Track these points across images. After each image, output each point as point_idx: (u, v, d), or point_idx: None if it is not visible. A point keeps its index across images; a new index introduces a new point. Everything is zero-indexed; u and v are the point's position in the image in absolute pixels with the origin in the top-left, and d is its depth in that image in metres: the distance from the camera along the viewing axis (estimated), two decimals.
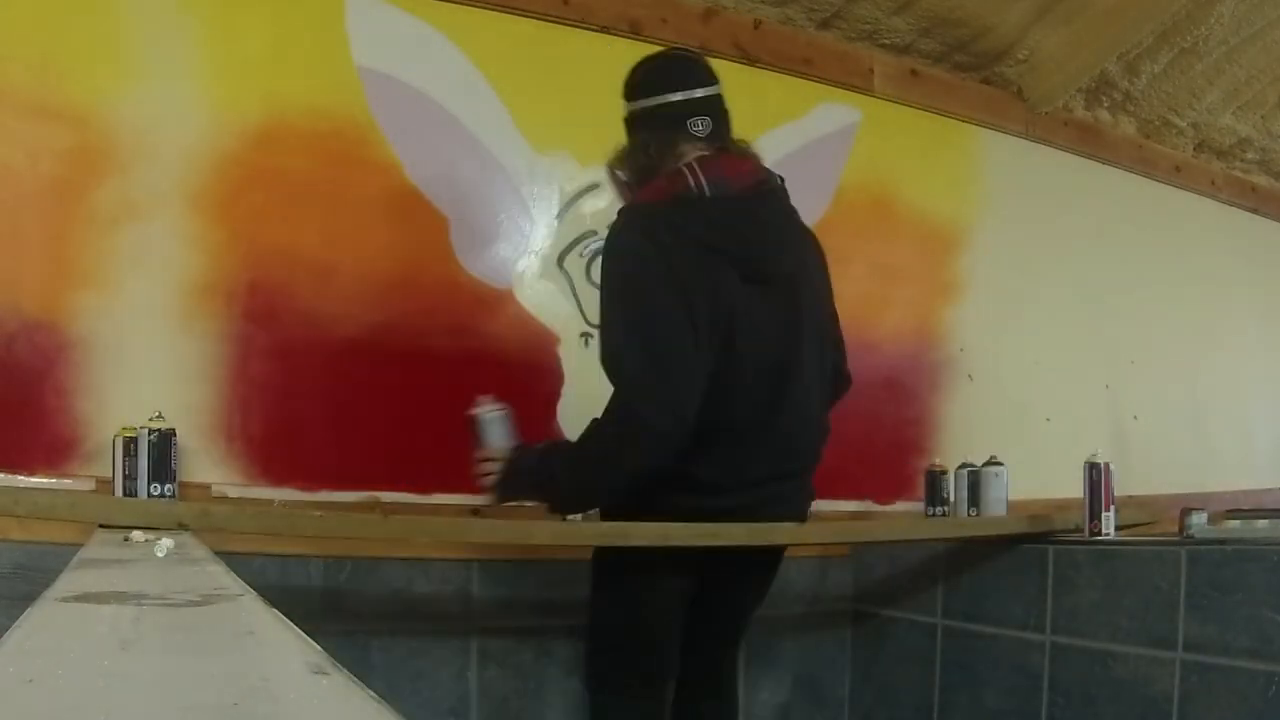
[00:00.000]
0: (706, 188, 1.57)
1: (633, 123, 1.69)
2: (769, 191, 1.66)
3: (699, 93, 1.65)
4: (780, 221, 1.68)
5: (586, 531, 1.81)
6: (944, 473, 2.35)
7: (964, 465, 2.34)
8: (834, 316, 1.79)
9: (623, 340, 1.55)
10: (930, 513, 2.35)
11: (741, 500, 1.64)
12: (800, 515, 1.76)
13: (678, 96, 1.63)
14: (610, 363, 1.56)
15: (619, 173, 1.71)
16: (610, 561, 1.74)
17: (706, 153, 1.62)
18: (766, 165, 1.71)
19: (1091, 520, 2.06)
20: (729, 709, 1.90)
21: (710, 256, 1.55)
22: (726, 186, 1.59)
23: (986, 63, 2.86)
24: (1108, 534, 2.04)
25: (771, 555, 1.81)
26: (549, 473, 1.63)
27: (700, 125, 1.63)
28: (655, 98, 1.65)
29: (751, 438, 1.62)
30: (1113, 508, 2.05)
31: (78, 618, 0.62)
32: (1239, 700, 1.64)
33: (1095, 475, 2.09)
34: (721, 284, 1.56)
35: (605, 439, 1.57)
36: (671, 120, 1.63)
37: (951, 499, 2.33)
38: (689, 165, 1.59)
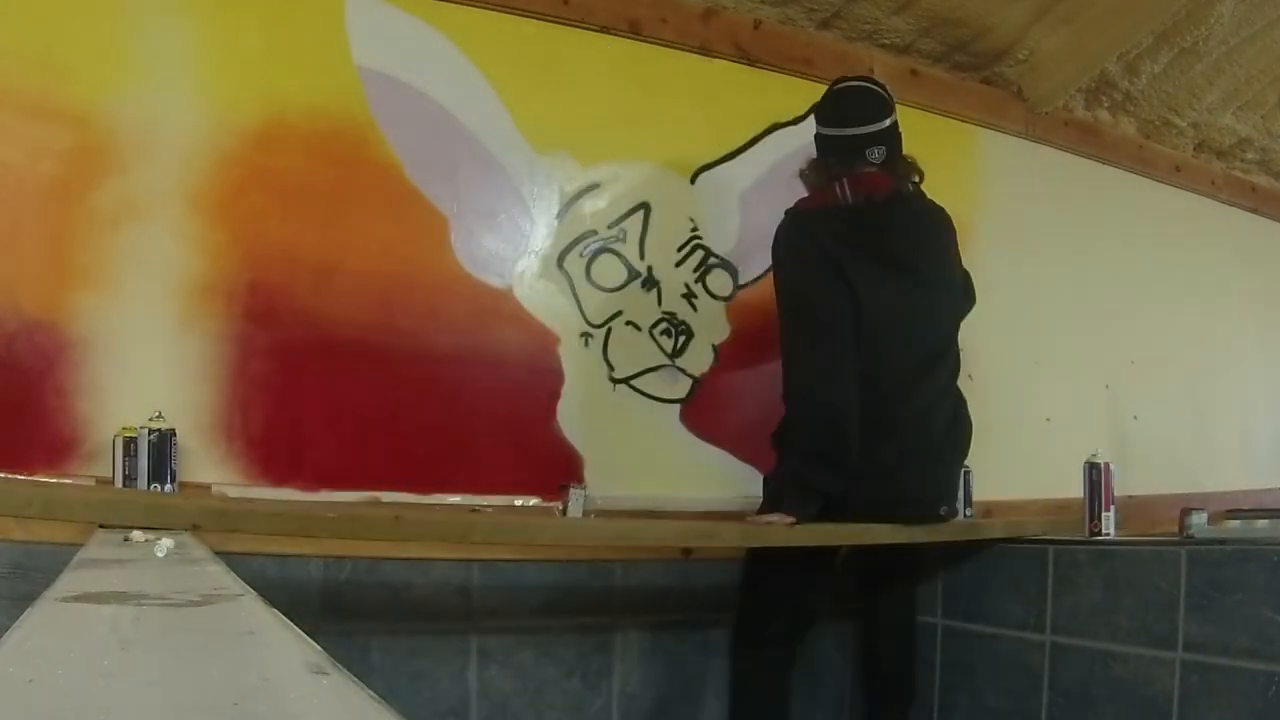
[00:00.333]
0: (850, 197, 1.97)
1: (821, 143, 2.07)
2: (902, 196, 2.03)
3: (874, 128, 1.99)
4: (910, 220, 2.05)
5: (599, 530, 1.81)
6: None
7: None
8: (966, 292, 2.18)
9: (787, 324, 1.99)
10: None
11: (900, 490, 1.95)
12: (936, 504, 2.04)
13: (861, 131, 1.99)
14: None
15: (806, 177, 2.09)
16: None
17: (860, 171, 1.98)
18: (906, 176, 2.06)
19: (1091, 520, 2.06)
20: (905, 645, 2.22)
21: (848, 249, 1.92)
22: (866, 197, 1.96)
23: (986, 63, 2.86)
24: (1108, 534, 2.04)
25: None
26: (796, 477, 1.96)
27: (877, 154, 1.99)
28: (841, 129, 2.02)
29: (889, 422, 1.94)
30: (1113, 508, 2.05)
31: (78, 618, 0.62)
32: (1239, 700, 1.64)
33: (1095, 475, 2.09)
34: (859, 271, 1.90)
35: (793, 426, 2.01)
36: (852, 147, 2.00)
37: None
38: (840, 181, 1.98)
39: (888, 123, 2.01)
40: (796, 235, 1.99)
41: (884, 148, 1.99)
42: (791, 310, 1.97)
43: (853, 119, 2.01)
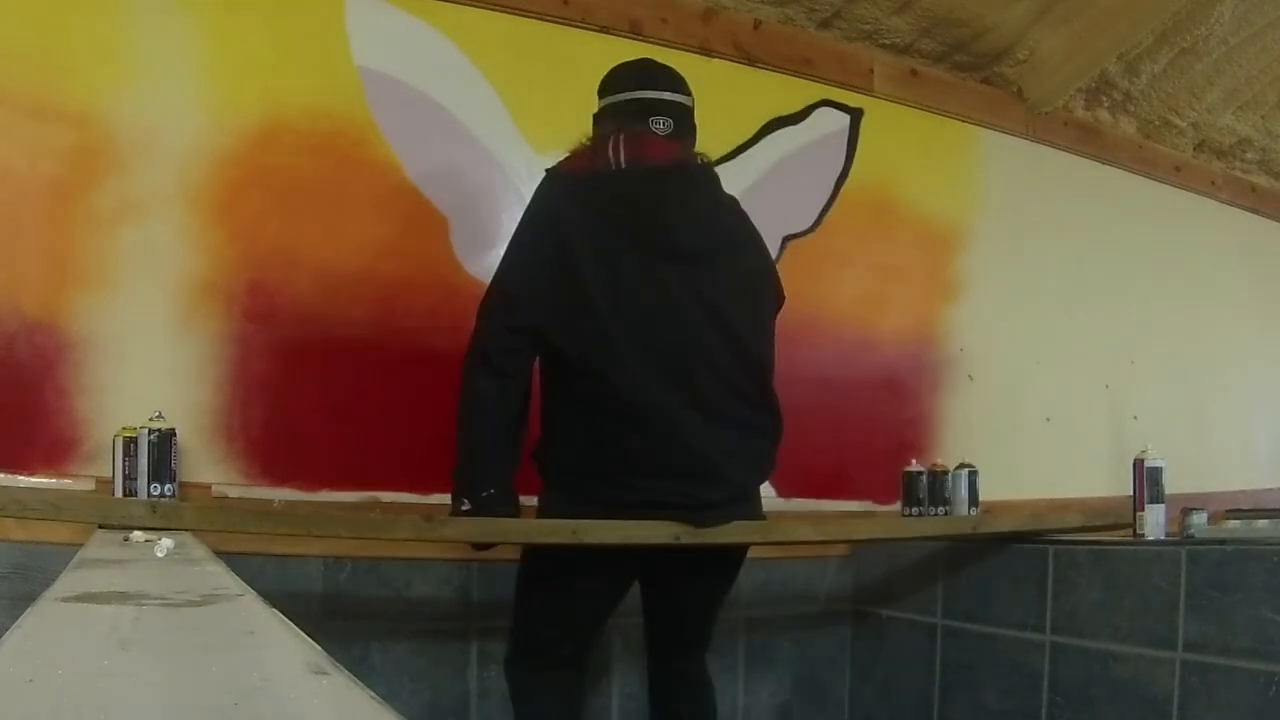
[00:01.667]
0: (623, 162, 1.62)
1: (600, 117, 1.73)
2: (687, 170, 1.69)
3: (667, 95, 1.70)
4: (692, 200, 1.69)
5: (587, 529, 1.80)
6: (920, 474, 2.34)
7: (962, 465, 2.33)
8: (764, 331, 1.74)
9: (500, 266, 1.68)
10: (906, 513, 2.35)
11: (659, 495, 1.60)
12: (735, 515, 1.67)
13: (647, 95, 1.69)
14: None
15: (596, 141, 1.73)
16: (542, 556, 1.72)
17: (638, 129, 1.66)
18: (697, 152, 1.74)
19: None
20: (701, 712, 1.86)
21: (608, 225, 1.60)
22: (643, 162, 1.63)
23: (986, 63, 2.86)
24: (1142, 534, 2.00)
25: (725, 557, 1.76)
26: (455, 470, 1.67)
27: (663, 124, 1.67)
28: (625, 93, 1.70)
29: (652, 426, 1.59)
30: (1156, 507, 2.01)
31: (78, 618, 0.62)
32: (1239, 700, 1.64)
33: (1138, 474, 2.08)
34: (614, 252, 1.59)
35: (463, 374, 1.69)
36: (637, 114, 1.67)
37: (925, 499, 2.33)
38: (614, 141, 1.64)
39: (682, 99, 1.72)
40: (542, 200, 1.67)
41: (671, 120, 1.68)
42: (503, 259, 1.69)
43: (639, 82, 1.70)
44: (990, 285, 2.92)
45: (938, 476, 2.30)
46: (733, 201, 1.78)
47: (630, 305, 1.59)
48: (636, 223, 1.61)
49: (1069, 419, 3.00)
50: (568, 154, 1.74)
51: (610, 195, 1.63)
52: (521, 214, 1.71)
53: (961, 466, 2.32)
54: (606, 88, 1.75)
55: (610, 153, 1.63)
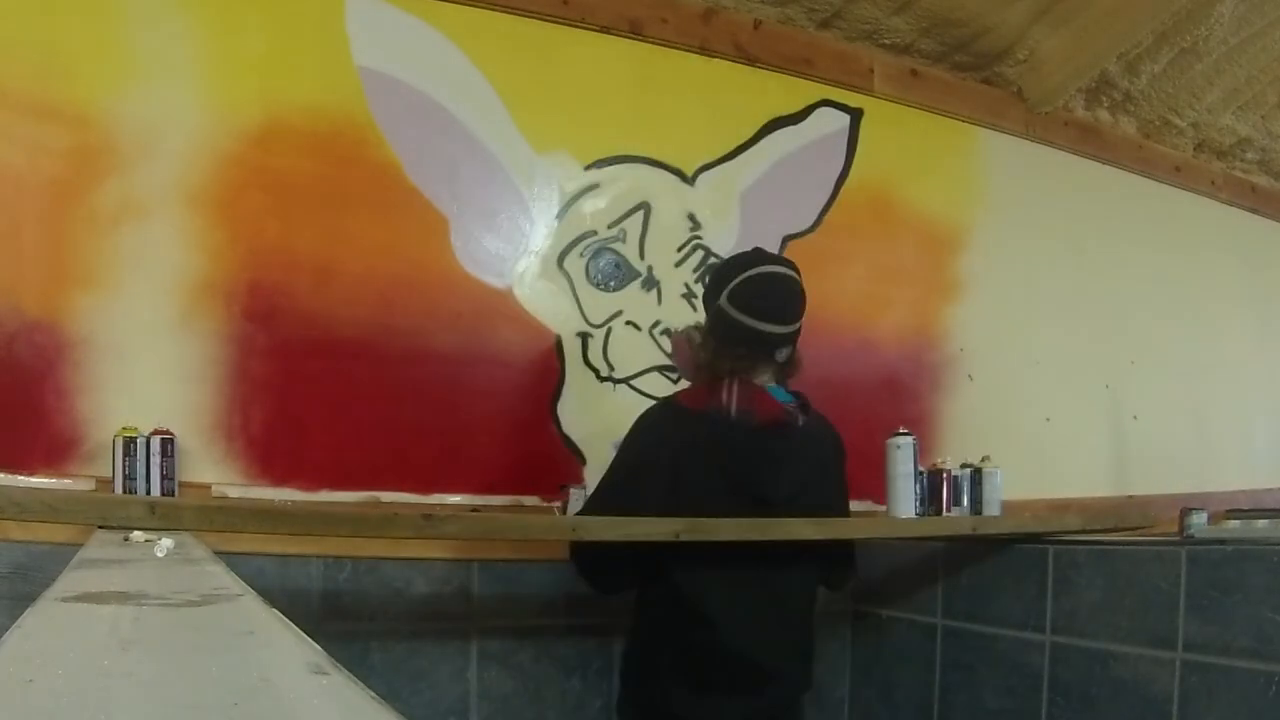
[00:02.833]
0: (734, 413, 1.74)
1: (725, 318, 1.78)
2: (787, 426, 1.79)
3: (792, 330, 1.78)
4: (788, 456, 1.80)
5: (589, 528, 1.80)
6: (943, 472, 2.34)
7: (965, 465, 2.33)
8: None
9: (595, 491, 1.83)
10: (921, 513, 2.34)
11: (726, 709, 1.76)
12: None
13: (781, 330, 1.77)
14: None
15: (696, 342, 1.85)
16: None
17: (753, 380, 1.78)
18: (798, 404, 1.83)
19: None
20: None
21: (713, 470, 1.74)
22: (751, 418, 1.75)
23: (986, 63, 2.86)
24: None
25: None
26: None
27: (783, 354, 1.79)
28: (759, 321, 1.75)
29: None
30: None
31: (78, 618, 0.62)
32: (1239, 700, 1.64)
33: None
34: (714, 496, 1.72)
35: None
36: (763, 344, 1.77)
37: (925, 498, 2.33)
38: (729, 386, 1.76)
39: (797, 327, 1.79)
40: (656, 429, 1.79)
41: (788, 350, 1.80)
42: (605, 480, 1.83)
43: (771, 314, 1.76)
44: (990, 285, 2.92)
45: (943, 476, 2.29)
46: (821, 450, 1.88)
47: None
48: (733, 468, 1.74)
49: (1069, 419, 3.00)
50: (686, 388, 1.90)
51: (719, 437, 1.74)
52: (627, 435, 1.83)
53: (965, 466, 2.31)
54: (737, 299, 1.77)
55: (724, 397, 1.76)
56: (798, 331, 1.81)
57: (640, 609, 1.85)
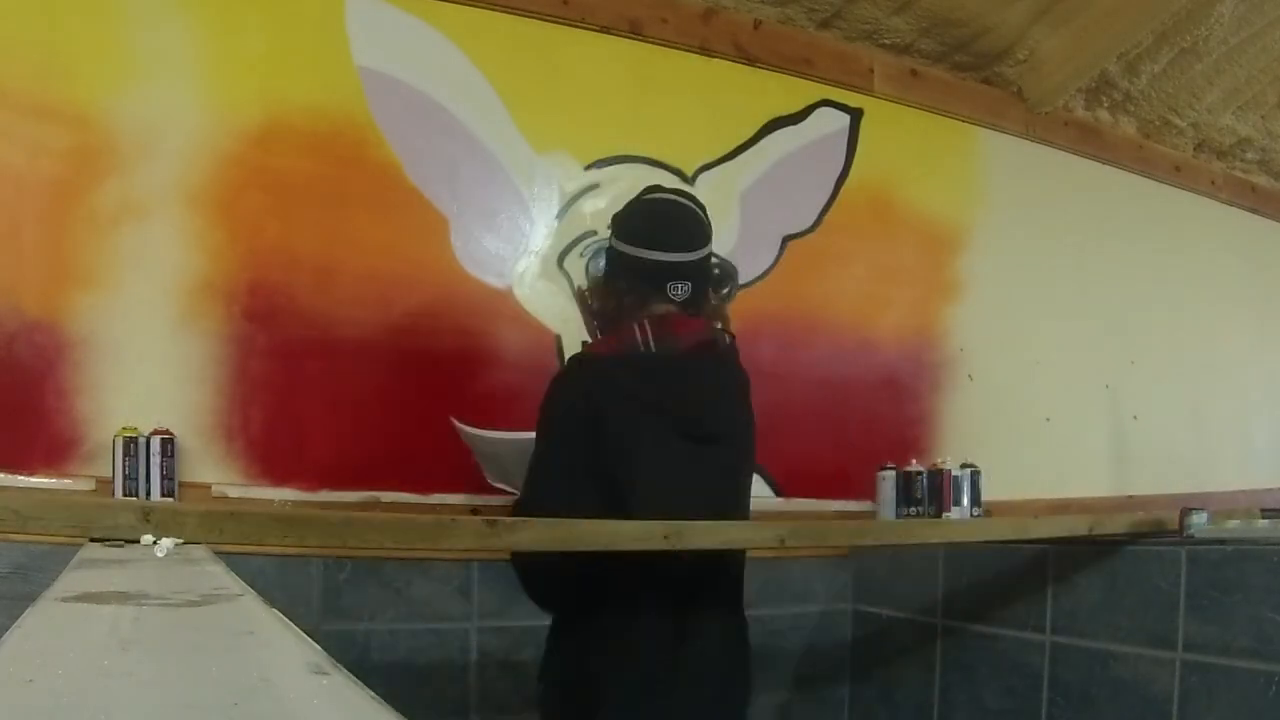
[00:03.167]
0: (653, 345, 1.58)
1: (615, 260, 1.65)
2: (712, 352, 1.65)
3: (688, 258, 1.61)
4: (716, 382, 1.66)
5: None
6: (919, 473, 2.34)
7: (965, 465, 2.33)
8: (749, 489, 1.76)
9: (529, 475, 1.59)
10: (904, 513, 2.34)
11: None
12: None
13: (666, 258, 1.60)
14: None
15: (591, 302, 1.73)
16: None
17: (664, 311, 1.61)
18: (717, 325, 1.69)
19: None
20: None
21: (644, 412, 1.56)
22: (673, 345, 1.59)
23: (986, 63, 2.86)
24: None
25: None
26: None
27: (680, 289, 1.60)
28: (643, 250, 1.61)
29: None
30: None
31: (78, 618, 0.62)
32: (1239, 700, 1.64)
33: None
34: (653, 438, 1.56)
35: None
36: (653, 278, 1.60)
37: (924, 498, 2.33)
38: (641, 323, 1.59)
39: (703, 253, 1.64)
40: (573, 390, 1.58)
41: (689, 284, 1.61)
42: (536, 459, 1.59)
43: (656, 240, 1.60)
44: (990, 285, 2.92)
45: (939, 476, 2.30)
46: (744, 380, 1.73)
47: (651, 478, 1.56)
48: (669, 406, 1.58)
49: (1069, 419, 3.00)
50: (592, 341, 1.74)
51: (641, 374, 1.59)
52: (543, 402, 1.61)
53: (965, 466, 2.31)
54: (621, 230, 1.65)
55: (639, 336, 1.59)
56: (700, 267, 1.63)
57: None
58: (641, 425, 1.56)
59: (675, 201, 1.67)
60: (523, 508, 1.55)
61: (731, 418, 1.68)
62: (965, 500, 2.32)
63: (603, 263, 1.70)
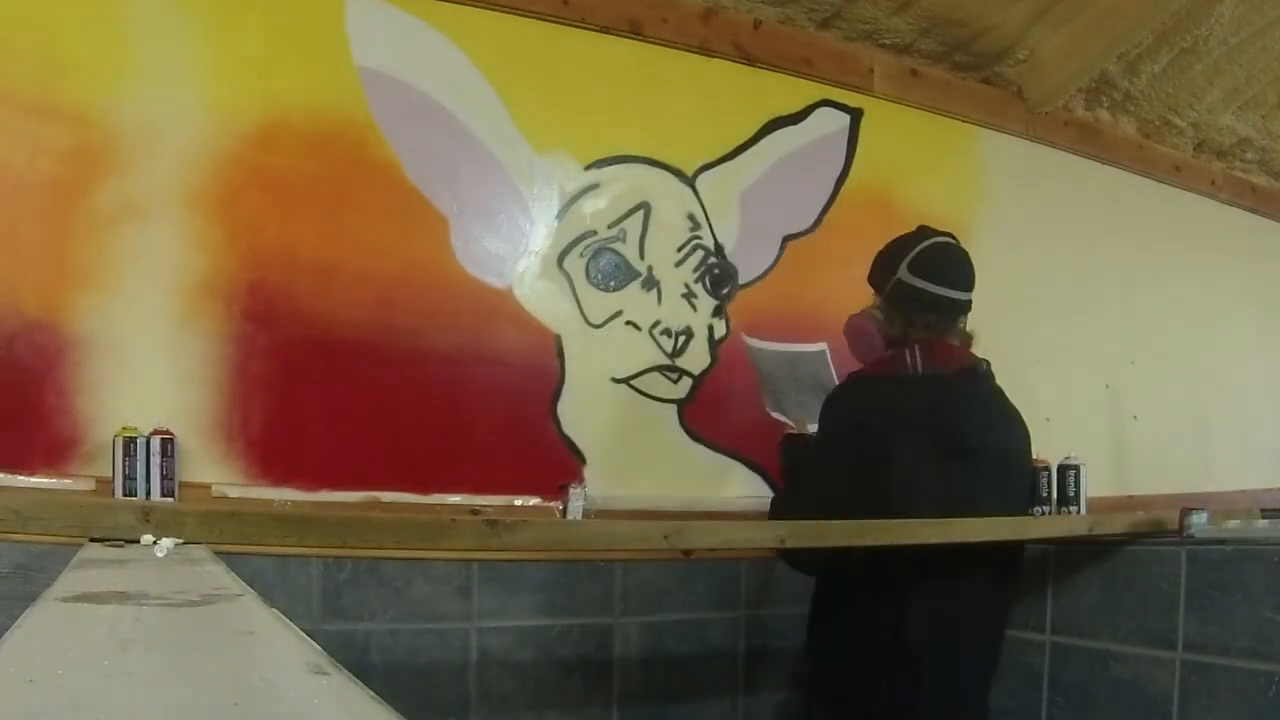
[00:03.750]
0: (920, 367, 1.82)
1: (908, 290, 1.85)
2: (974, 373, 1.87)
3: (970, 298, 1.87)
4: (977, 401, 1.87)
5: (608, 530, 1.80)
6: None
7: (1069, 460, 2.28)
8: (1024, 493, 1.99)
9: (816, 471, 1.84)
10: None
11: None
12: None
13: (964, 296, 1.86)
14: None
15: (880, 320, 1.90)
16: None
17: (931, 339, 1.84)
18: (979, 359, 1.90)
19: None
20: None
21: (911, 427, 1.77)
22: (938, 370, 1.82)
23: (986, 63, 2.86)
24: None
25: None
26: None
27: (964, 321, 1.88)
28: (946, 289, 1.84)
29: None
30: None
31: (78, 618, 0.62)
32: (1239, 700, 1.64)
33: None
34: (918, 455, 1.75)
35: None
36: (949, 312, 1.85)
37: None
38: (911, 348, 1.83)
39: (972, 295, 1.89)
40: (845, 405, 1.86)
41: (967, 318, 1.90)
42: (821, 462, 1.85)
43: (953, 280, 1.85)
44: (990, 285, 2.90)
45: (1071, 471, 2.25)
46: (1004, 400, 1.94)
47: (916, 492, 1.75)
48: (931, 421, 1.78)
49: (1069, 419, 3.00)
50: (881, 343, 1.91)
51: (907, 394, 1.81)
52: (820, 413, 1.87)
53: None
54: (919, 268, 1.84)
55: (908, 360, 1.82)
56: (970, 303, 1.88)
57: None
58: (905, 438, 1.77)
59: (960, 249, 1.90)
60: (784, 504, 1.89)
61: (991, 429, 1.86)
62: (1079, 495, 2.26)
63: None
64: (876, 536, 1.66)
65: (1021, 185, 3.00)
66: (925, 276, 1.83)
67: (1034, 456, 2.04)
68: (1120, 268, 3.20)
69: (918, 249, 1.87)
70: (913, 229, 1.94)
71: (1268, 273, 3.64)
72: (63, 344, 1.85)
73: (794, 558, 1.86)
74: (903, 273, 1.85)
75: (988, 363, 1.90)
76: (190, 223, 1.96)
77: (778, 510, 1.94)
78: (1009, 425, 1.91)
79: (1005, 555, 1.85)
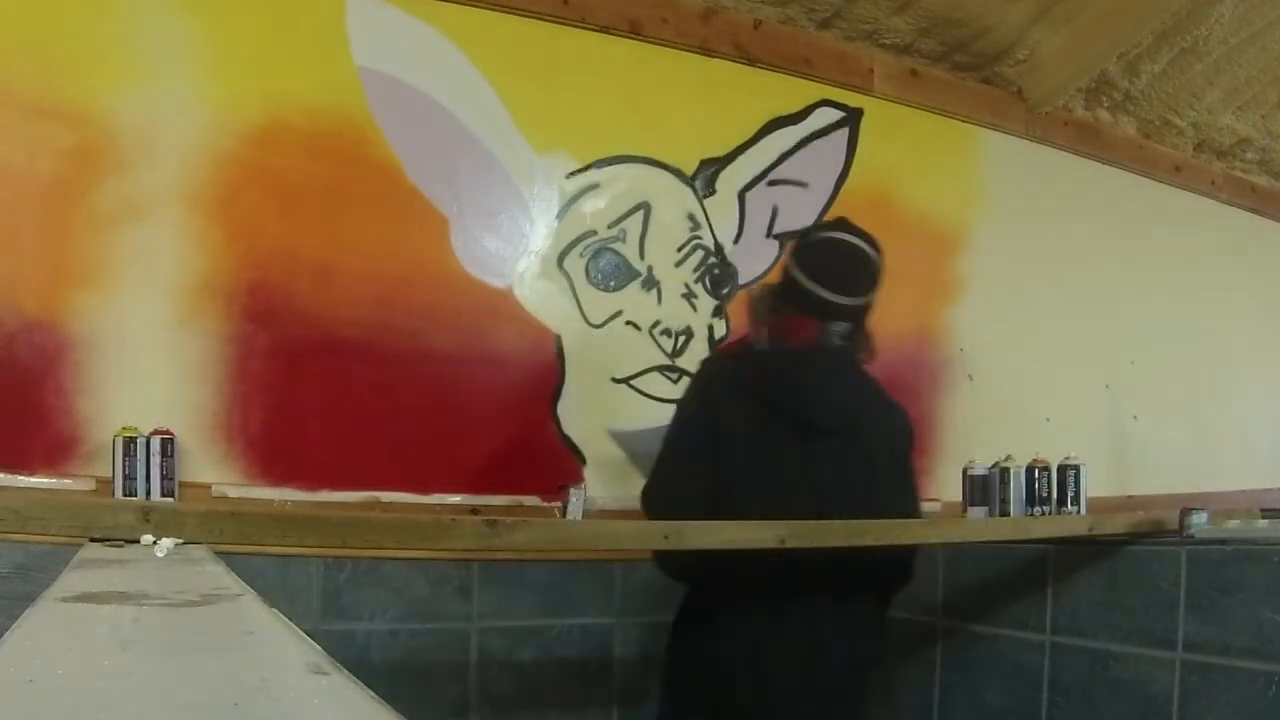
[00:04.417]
0: (767, 341, 1.72)
1: (786, 277, 1.73)
2: (823, 345, 1.70)
3: (854, 303, 1.71)
4: (829, 375, 1.72)
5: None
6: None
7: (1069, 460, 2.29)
8: (906, 490, 1.79)
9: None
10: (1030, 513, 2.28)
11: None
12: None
13: (842, 300, 1.69)
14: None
15: (756, 306, 1.79)
16: None
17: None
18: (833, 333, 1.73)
19: None
20: None
21: (751, 403, 1.68)
22: (783, 343, 1.71)
23: (986, 63, 2.86)
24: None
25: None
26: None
27: (837, 330, 1.70)
28: (820, 288, 1.69)
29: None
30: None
31: (78, 618, 0.62)
32: (1239, 700, 1.64)
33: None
34: (758, 432, 1.66)
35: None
36: (819, 312, 1.69)
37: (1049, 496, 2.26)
38: (763, 326, 1.75)
39: (869, 300, 1.73)
40: (695, 383, 1.81)
41: (848, 325, 1.71)
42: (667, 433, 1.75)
43: (839, 285, 1.69)
44: (990, 285, 2.92)
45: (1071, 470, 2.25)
46: (869, 381, 1.80)
47: (759, 477, 1.66)
48: (772, 395, 1.69)
49: (1069, 419, 3.00)
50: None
51: (752, 366, 1.73)
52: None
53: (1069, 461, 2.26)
54: (805, 260, 1.73)
55: (760, 332, 1.75)
56: (861, 310, 1.72)
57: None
58: (746, 413, 1.67)
59: (860, 249, 1.73)
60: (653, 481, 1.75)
61: (846, 407, 1.72)
62: (1079, 495, 2.25)
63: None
64: (876, 537, 1.65)
65: (1021, 185, 3.00)
66: (798, 266, 1.71)
67: (908, 449, 1.83)
68: (1120, 268, 3.20)
69: (805, 239, 1.80)
70: (834, 219, 1.84)
71: (1268, 273, 3.64)
72: (63, 344, 1.85)
73: (664, 560, 1.73)
74: (787, 258, 1.76)
75: (862, 346, 1.75)
76: (190, 222, 1.96)
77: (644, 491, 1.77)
78: (874, 409, 1.76)
79: (886, 578, 1.74)
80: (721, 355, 1.85)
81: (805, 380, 1.69)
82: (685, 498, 1.64)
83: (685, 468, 1.68)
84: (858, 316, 1.73)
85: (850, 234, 1.75)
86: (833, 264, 1.71)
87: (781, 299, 1.73)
